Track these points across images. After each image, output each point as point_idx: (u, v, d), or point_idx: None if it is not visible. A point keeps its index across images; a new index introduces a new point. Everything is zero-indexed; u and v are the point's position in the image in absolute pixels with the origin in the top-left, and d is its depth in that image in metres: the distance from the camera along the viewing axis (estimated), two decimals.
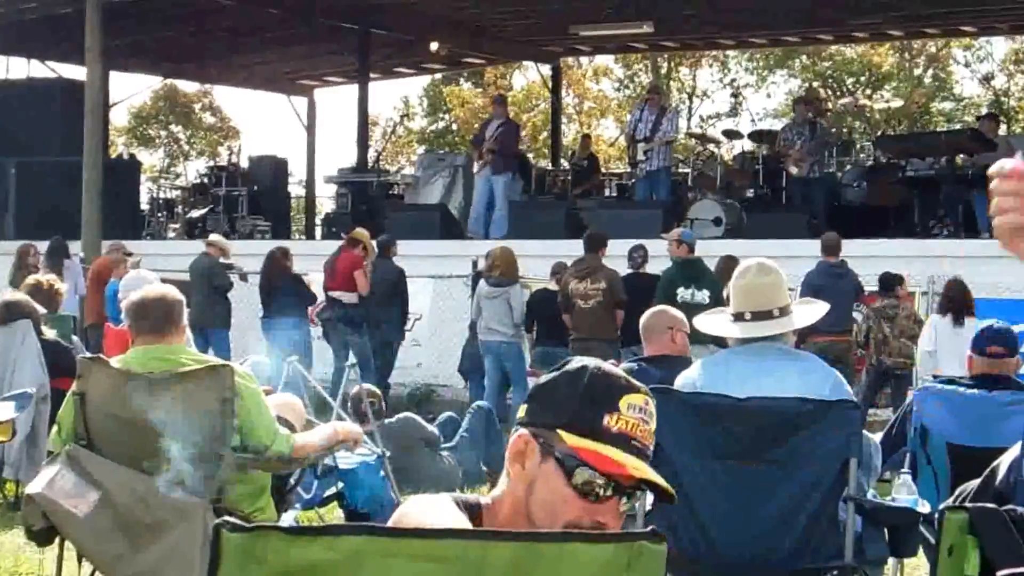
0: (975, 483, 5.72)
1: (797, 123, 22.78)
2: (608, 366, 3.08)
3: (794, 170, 22.13)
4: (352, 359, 12.54)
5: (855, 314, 16.76)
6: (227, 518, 2.64)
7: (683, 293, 15.07)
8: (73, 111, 24.22)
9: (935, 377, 10.76)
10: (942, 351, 14.22)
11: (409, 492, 10.65)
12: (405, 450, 11.80)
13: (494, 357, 16.57)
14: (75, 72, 27.77)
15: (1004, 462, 5.60)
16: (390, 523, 2.94)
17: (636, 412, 2.98)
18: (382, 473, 10.29)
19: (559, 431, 2.99)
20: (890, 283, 16.23)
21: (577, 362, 3.09)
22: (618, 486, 2.95)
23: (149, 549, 6.47)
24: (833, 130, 25.43)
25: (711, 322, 6.76)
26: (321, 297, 18.52)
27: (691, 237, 16.33)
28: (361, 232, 17.86)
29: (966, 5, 27.10)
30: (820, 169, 22.27)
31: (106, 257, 19.36)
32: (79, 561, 7.05)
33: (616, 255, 16.57)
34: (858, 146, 26.76)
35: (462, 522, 2.99)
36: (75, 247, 21.89)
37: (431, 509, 3.04)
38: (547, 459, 2.99)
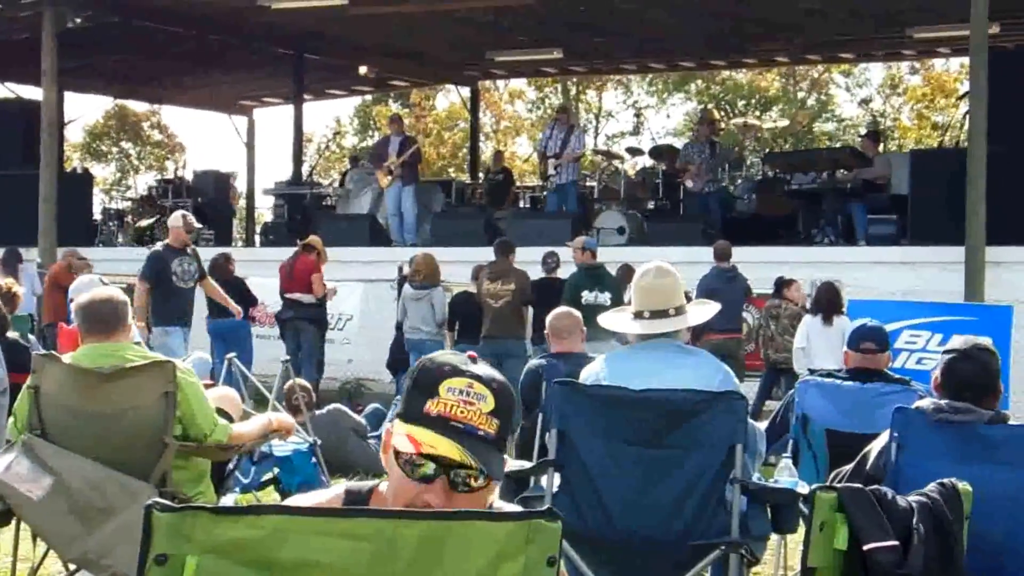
0: (849, 466, 5.78)
1: (699, 141, 22.94)
2: (443, 356, 3.05)
3: (689, 184, 22.31)
4: (286, 356, 12.51)
5: (745, 314, 16.88)
6: (157, 499, 2.62)
7: (587, 296, 15.12)
8: (30, 128, 24.03)
9: (812, 371, 10.86)
10: (813, 347, 14.43)
11: (339, 477, 10.65)
12: (335, 439, 11.77)
13: (418, 354, 16.56)
14: (32, 93, 27.55)
15: (875, 448, 5.66)
16: None
17: (455, 394, 2.93)
18: (314, 460, 10.26)
19: (397, 420, 3.00)
20: (779, 286, 16.38)
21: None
22: (439, 466, 2.93)
23: (100, 530, 6.43)
24: (735, 148, 25.62)
25: (613, 320, 6.79)
26: (262, 299, 18.43)
27: (594, 245, 16.39)
28: (316, 239, 17.85)
29: (844, 35, 27.30)
30: (715, 184, 22.43)
31: (63, 263, 19.26)
32: (34, 541, 7.01)
33: (531, 261, 16.63)
34: (749, 162, 26.94)
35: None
36: (32, 254, 21.73)
37: (316, 496, 3.10)
38: (391, 447, 3.01)
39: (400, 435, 2.96)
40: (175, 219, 15.32)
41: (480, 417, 2.94)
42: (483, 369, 3.02)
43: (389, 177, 22.74)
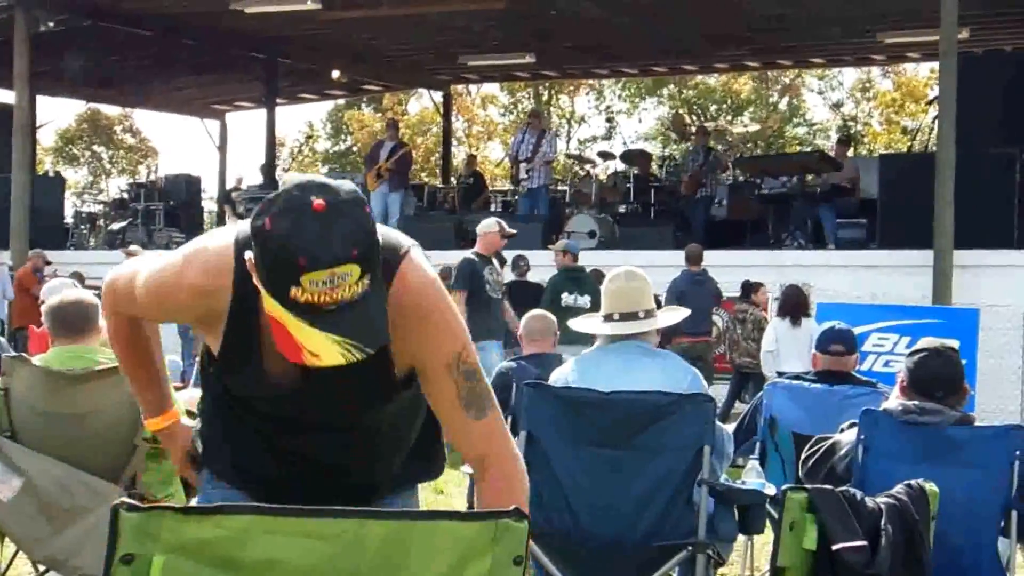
0: (829, 440, 5.79)
1: (699, 150, 23.09)
2: (291, 228, 2.82)
3: (684, 191, 22.53)
4: None
5: (715, 318, 16.90)
6: (124, 499, 2.61)
7: (567, 298, 15.13)
8: (2, 132, 23.96)
9: (780, 374, 10.88)
10: (782, 350, 14.38)
11: None
12: None
13: None
14: (4, 96, 27.48)
15: (844, 442, 5.68)
16: None
17: (319, 286, 2.78)
18: None
19: (266, 295, 2.89)
20: (747, 289, 16.39)
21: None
22: None
23: (68, 531, 6.41)
24: (727, 149, 25.80)
25: (584, 322, 6.81)
26: None
27: (575, 248, 16.41)
28: None
29: (814, 39, 27.40)
30: (708, 191, 22.59)
31: (28, 266, 19.19)
32: (1, 541, 6.97)
33: None
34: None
35: None
36: (3, 256, 21.65)
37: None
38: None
39: (281, 329, 2.88)
40: (490, 225, 14.10)
41: (349, 290, 2.82)
42: (335, 230, 2.84)
43: (378, 180, 22.79)
